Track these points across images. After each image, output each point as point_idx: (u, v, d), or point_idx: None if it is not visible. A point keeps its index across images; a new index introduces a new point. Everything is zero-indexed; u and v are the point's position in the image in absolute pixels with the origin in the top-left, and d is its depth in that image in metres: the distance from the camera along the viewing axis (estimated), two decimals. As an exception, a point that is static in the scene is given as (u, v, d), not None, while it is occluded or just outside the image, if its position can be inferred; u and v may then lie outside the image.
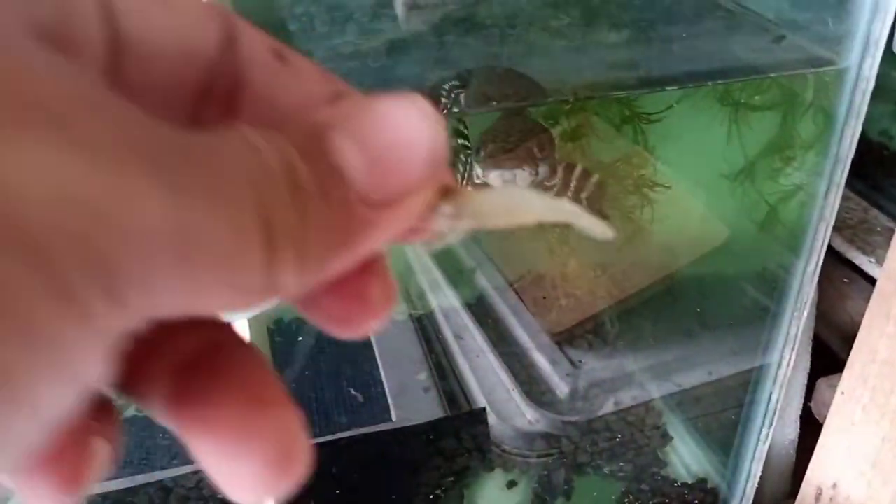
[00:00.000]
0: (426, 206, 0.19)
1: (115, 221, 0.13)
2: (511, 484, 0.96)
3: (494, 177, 0.59)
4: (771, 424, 0.83)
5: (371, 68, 0.52)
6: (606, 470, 0.97)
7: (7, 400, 0.12)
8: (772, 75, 0.64)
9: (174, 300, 0.14)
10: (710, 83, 0.62)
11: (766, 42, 0.59)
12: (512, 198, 0.21)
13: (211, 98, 0.20)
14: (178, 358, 0.18)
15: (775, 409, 0.82)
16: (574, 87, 0.56)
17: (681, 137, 0.85)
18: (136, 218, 0.13)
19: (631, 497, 0.94)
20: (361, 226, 0.18)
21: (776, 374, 0.80)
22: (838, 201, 0.69)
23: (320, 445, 0.96)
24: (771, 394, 0.81)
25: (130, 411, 1.07)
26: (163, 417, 0.18)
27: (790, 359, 0.79)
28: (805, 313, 0.75)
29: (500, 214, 0.21)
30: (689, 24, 0.56)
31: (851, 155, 0.67)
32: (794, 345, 0.78)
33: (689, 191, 0.96)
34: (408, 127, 0.18)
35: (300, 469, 0.18)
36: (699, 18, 0.56)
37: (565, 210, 0.22)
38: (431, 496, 0.94)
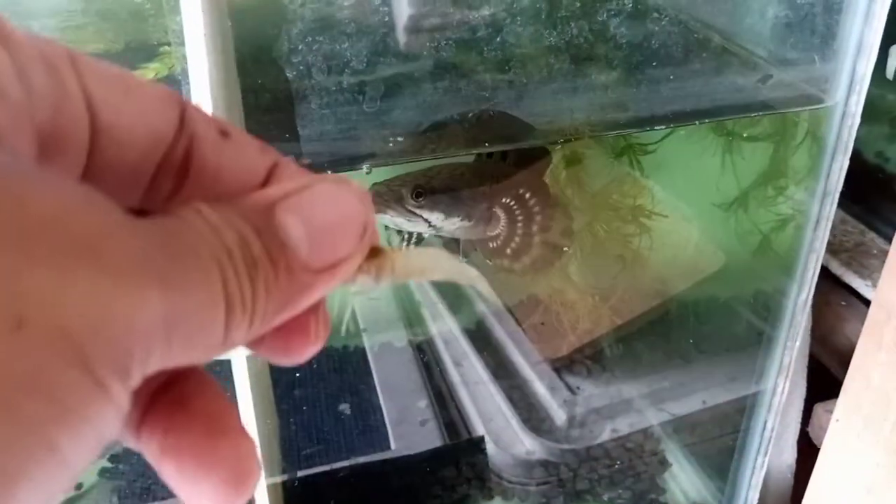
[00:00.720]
0: (356, 267, 0.23)
1: (132, 325, 0.17)
2: (509, 512, 0.97)
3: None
4: (766, 452, 0.84)
5: (366, 113, 0.53)
6: (605, 497, 0.98)
7: (46, 457, 0.16)
8: (759, 114, 0.65)
9: (159, 364, 0.18)
10: (697, 122, 0.64)
11: (753, 81, 0.61)
12: (426, 258, 0.25)
13: (168, 171, 0.23)
14: (147, 390, 0.21)
15: (770, 436, 0.83)
16: (565, 129, 0.57)
17: (676, 167, 0.86)
18: (144, 317, 0.17)
19: (629, 524, 0.94)
20: (303, 288, 0.21)
21: (770, 402, 0.81)
22: (828, 232, 0.70)
23: (320, 475, 0.97)
24: (766, 421, 0.82)
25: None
26: (132, 443, 0.22)
27: (784, 387, 0.80)
28: (798, 342, 0.76)
29: (415, 272, 0.25)
30: (678, 64, 0.57)
31: (839, 188, 0.68)
32: (787, 373, 0.78)
33: (684, 219, 0.97)
34: (344, 207, 0.22)
35: (251, 488, 0.21)
36: (687, 58, 0.57)
37: (466, 274, 0.27)
38: (431, 524, 0.94)
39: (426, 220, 0.69)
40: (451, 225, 0.72)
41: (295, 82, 0.50)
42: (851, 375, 0.82)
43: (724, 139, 0.75)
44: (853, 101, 0.63)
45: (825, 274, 1.16)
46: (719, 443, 0.98)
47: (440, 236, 0.80)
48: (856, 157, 1.31)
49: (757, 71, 0.61)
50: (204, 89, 0.48)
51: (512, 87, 0.55)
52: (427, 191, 0.65)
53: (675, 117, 0.58)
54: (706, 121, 0.64)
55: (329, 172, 0.56)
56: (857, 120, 0.65)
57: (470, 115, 0.55)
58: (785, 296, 0.74)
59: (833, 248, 1.18)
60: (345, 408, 1.07)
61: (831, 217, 0.70)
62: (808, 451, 1.06)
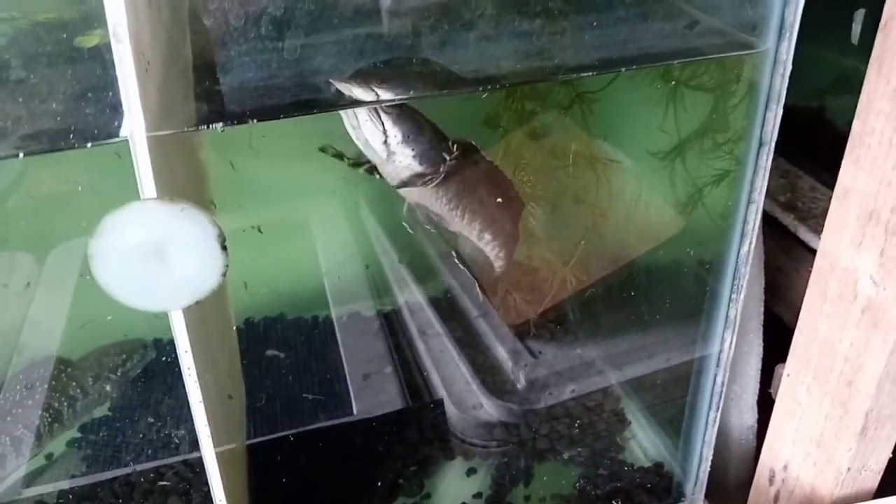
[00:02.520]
0: None
1: None
2: (471, 471, 0.98)
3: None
4: (718, 408, 0.85)
5: (287, 60, 0.54)
6: (565, 456, 0.99)
7: None
8: (686, 60, 0.66)
9: None
10: (622, 69, 0.64)
11: (680, 27, 0.61)
12: None
13: None
14: None
15: (721, 391, 0.83)
16: (491, 77, 0.58)
17: (622, 118, 0.87)
18: None
19: (587, 481, 0.95)
20: None
21: (719, 357, 0.81)
22: (765, 183, 0.71)
23: (284, 438, 0.98)
24: (716, 376, 0.82)
25: (102, 411, 1.09)
26: None
27: (731, 341, 0.80)
28: (742, 295, 0.77)
29: None
30: (602, 11, 0.57)
31: (775, 136, 0.68)
32: (734, 327, 0.79)
33: (634, 172, 0.98)
34: None
35: None
36: (611, 5, 0.58)
37: None
38: (393, 485, 0.95)
39: (384, 131, 0.66)
40: (403, 156, 0.70)
41: (213, 30, 0.51)
42: (800, 328, 0.83)
43: (670, 88, 0.75)
44: (784, 47, 0.64)
45: (794, 240, 1.17)
46: (677, 403, 0.99)
47: (381, 175, 0.77)
48: (827, 127, 1.32)
49: (683, 17, 0.61)
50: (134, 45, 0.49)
51: (435, 33, 0.55)
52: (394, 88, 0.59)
53: (601, 64, 0.59)
54: (633, 67, 0.65)
55: (254, 122, 0.57)
56: (789, 67, 0.65)
57: (392, 61, 0.55)
58: (728, 249, 0.75)
59: (802, 216, 1.19)
60: (310, 374, 1.09)
61: (768, 167, 0.71)
62: (769, 411, 1.07)
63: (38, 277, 1.16)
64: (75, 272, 1.17)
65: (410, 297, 1.17)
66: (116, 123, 0.57)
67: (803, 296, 1.14)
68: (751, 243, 0.74)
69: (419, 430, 0.99)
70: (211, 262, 0.58)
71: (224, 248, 0.58)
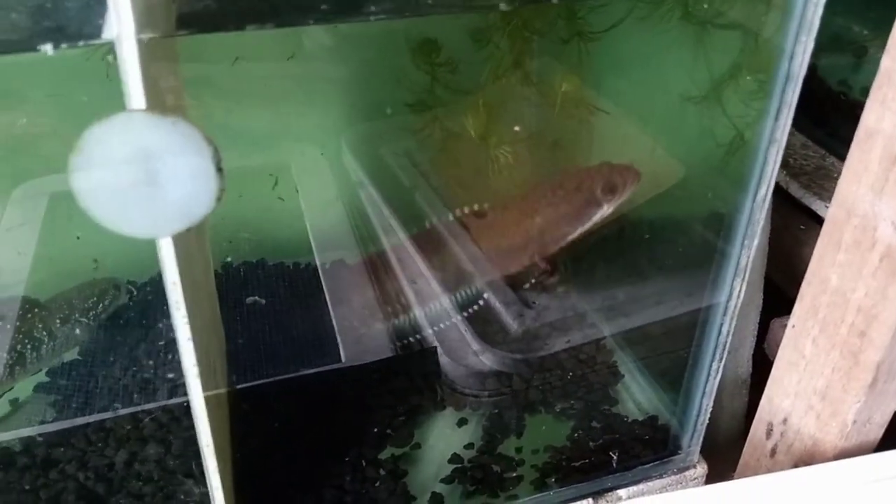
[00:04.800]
0: None
1: None
2: (462, 422, 0.95)
3: None
4: (721, 358, 0.82)
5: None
6: (558, 408, 0.96)
7: None
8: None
9: None
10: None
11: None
12: None
13: None
14: None
15: (725, 341, 0.81)
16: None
17: (635, 60, 0.83)
18: None
19: (581, 433, 0.93)
20: None
21: (727, 305, 0.79)
22: (790, 122, 0.67)
23: (269, 385, 0.94)
24: (722, 325, 0.80)
25: (71, 356, 1.03)
26: None
27: (740, 289, 0.78)
28: (756, 242, 0.74)
29: None
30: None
31: (804, 71, 0.65)
32: (744, 275, 0.76)
33: (636, 119, 0.94)
34: None
35: None
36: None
37: None
38: (382, 434, 0.92)
39: None
40: None
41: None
42: (808, 280, 0.80)
43: (692, 28, 0.71)
44: (819, -24, 0.60)
45: (784, 197, 1.15)
46: (673, 356, 0.97)
47: None
48: (819, 85, 1.30)
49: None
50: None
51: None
52: None
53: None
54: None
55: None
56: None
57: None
58: (744, 193, 0.72)
59: (793, 172, 1.17)
60: (294, 321, 1.04)
61: (794, 105, 0.67)
62: (763, 368, 1.05)
63: (1, 214, 1.10)
64: (41, 209, 1.11)
65: (398, 244, 1.13)
66: (98, 23, 0.51)
67: (792, 253, 1.13)
68: (769, 186, 0.71)
69: (409, 379, 0.96)
70: (205, 184, 0.53)
71: (220, 169, 0.53)
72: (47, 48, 0.49)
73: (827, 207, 1.10)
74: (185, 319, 0.61)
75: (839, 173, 1.20)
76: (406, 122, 1.11)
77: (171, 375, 0.96)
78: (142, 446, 0.87)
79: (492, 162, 0.96)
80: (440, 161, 1.11)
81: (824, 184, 1.15)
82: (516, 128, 0.92)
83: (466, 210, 1.00)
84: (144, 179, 0.52)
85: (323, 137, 1.19)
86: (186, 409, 0.90)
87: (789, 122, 0.67)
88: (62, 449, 0.87)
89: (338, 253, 1.16)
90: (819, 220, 1.12)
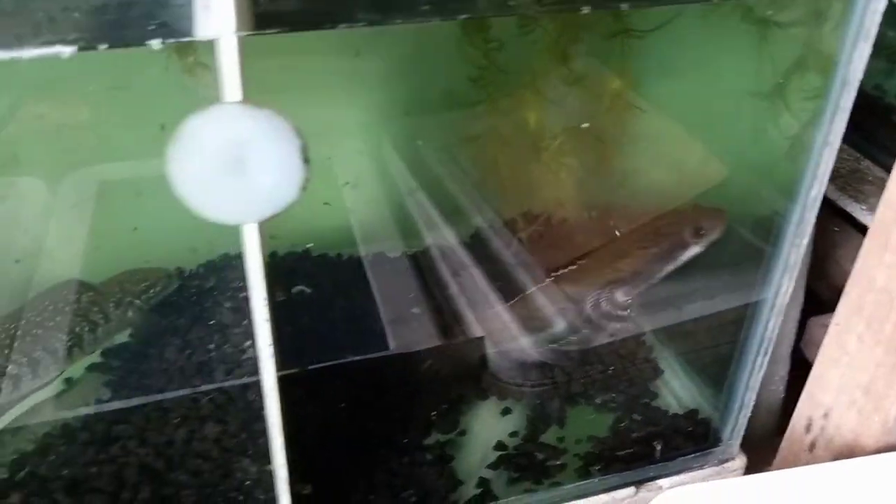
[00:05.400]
0: None
1: None
2: (506, 411, 0.98)
3: None
4: (766, 353, 0.84)
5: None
6: (598, 400, 0.99)
7: None
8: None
9: None
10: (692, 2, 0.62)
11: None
12: None
13: None
14: None
15: (771, 337, 0.83)
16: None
17: (685, 58, 0.85)
18: None
19: (623, 424, 0.95)
20: None
21: (773, 303, 0.81)
22: (844, 126, 0.69)
23: (321, 370, 0.96)
24: (768, 321, 0.82)
25: (121, 338, 1.06)
26: None
27: (787, 287, 0.80)
28: (805, 241, 0.76)
29: None
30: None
31: (859, 77, 0.67)
32: (792, 273, 0.78)
33: (681, 121, 0.96)
34: None
35: None
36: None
37: None
38: (429, 420, 0.95)
39: None
40: None
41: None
42: (854, 279, 0.82)
43: (755, 27, 0.73)
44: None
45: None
46: (714, 351, 0.99)
47: None
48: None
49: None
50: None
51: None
52: None
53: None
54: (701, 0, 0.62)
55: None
56: (882, 4, 0.64)
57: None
58: (796, 192, 0.74)
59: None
60: (341, 310, 1.07)
61: (848, 109, 0.69)
62: (798, 366, 1.07)
63: (56, 201, 1.13)
64: (92, 197, 1.14)
65: (440, 237, 1.16)
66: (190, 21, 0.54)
67: (826, 255, 1.15)
68: (821, 188, 0.73)
69: (455, 368, 0.99)
70: (293, 174, 0.56)
71: (306, 159, 0.56)
72: (155, 43, 0.51)
73: (862, 210, 1.12)
74: (264, 301, 0.63)
75: (874, 176, 1.21)
76: (450, 118, 1.14)
77: (224, 358, 0.99)
78: (200, 425, 0.90)
79: (541, 158, 0.99)
80: (485, 157, 1.13)
81: (859, 186, 1.17)
82: (584, 125, 0.95)
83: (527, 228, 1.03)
84: (235, 168, 0.55)
85: (366, 131, 1.21)
86: (241, 390, 0.94)
87: (843, 125, 0.69)
88: (123, 426, 0.91)
89: (380, 245, 1.19)
90: (852, 222, 1.14)
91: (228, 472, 0.87)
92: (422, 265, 1.14)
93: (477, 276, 1.08)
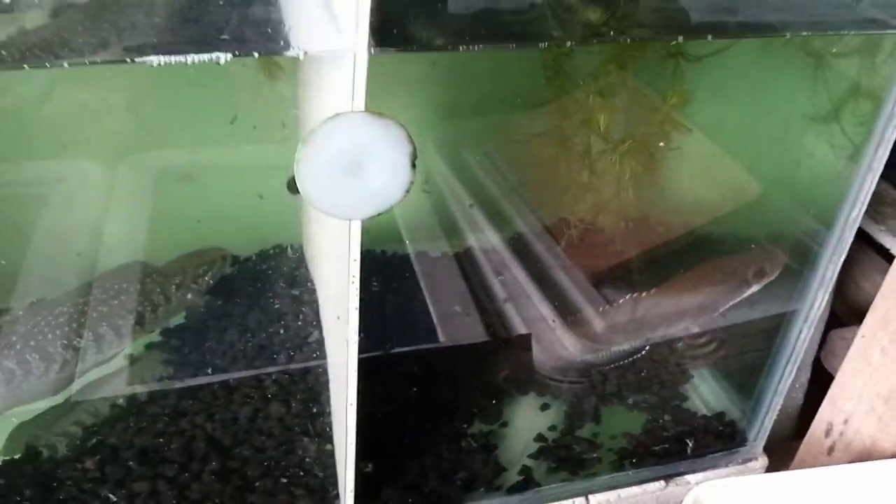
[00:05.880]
0: None
1: None
2: (545, 406, 1.04)
3: None
4: (796, 361, 0.91)
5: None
6: (631, 400, 1.05)
7: None
8: (842, 33, 0.70)
9: None
10: (788, 35, 0.68)
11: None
12: None
13: None
14: None
15: (803, 346, 0.90)
16: (677, 25, 0.62)
17: (739, 82, 0.91)
18: None
19: (655, 423, 1.02)
20: None
21: (808, 314, 0.87)
22: (887, 154, 0.76)
23: (370, 360, 1.02)
24: (800, 331, 0.89)
25: (178, 319, 1.12)
26: None
27: (822, 301, 0.86)
28: (842, 258, 0.83)
29: None
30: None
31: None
32: (827, 287, 0.85)
33: (721, 139, 1.03)
34: None
35: None
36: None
37: None
38: (470, 411, 1.01)
39: None
40: None
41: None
42: (883, 294, 0.89)
43: (811, 58, 0.80)
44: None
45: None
46: (742, 358, 1.05)
47: None
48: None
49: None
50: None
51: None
52: None
53: (781, 27, 0.63)
54: (803, 34, 0.69)
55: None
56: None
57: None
58: (838, 211, 0.80)
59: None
60: (392, 304, 1.13)
61: (891, 141, 0.76)
62: (817, 376, 1.14)
63: (116, 185, 1.18)
64: (150, 182, 1.20)
65: (483, 238, 1.22)
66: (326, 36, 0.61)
67: (845, 271, 1.21)
68: (861, 209, 0.79)
69: (499, 363, 1.05)
70: (400, 178, 0.62)
71: (414, 165, 0.62)
72: (298, 53, 0.58)
73: (881, 230, 1.19)
74: (357, 291, 0.70)
75: (892, 199, 1.28)
76: (510, 120, 1.19)
77: (284, 342, 1.04)
78: (265, 405, 0.96)
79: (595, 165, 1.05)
80: (529, 163, 1.19)
81: (878, 207, 1.24)
82: (661, 143, 1.01)
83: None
84: (353, 170, 0.61)
85: (422, 133, 1.26)
86: (303, 373, 1.00)
87: (887, 153, 0.76)
88: (190, 402, 0.96)
89: (425, 244, 1.25)
90: (869, 241, 1.21)
91: (290, 449, 0.93)
92: (466, 263, 1.21)
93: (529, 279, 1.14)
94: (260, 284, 1.16)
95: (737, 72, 0.94)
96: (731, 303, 1.00)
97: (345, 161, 0.60)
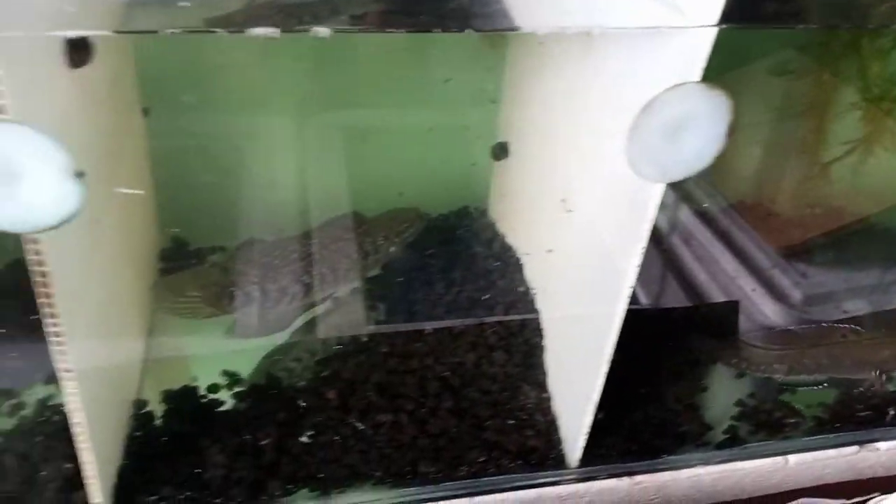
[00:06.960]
0: None
1: None
2: (740, 375, 1.09)
3: None
4: None
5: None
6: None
7: None
8: None
9: None
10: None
11: None
12: None
13: None
14: None
15: None
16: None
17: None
18: None
19: (850, 393, 1.06)
20: None
21: None
22: None
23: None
24: None
25: (374, 271, 1.18)
26: None
27: None
28: None
29: None
30: None
31: None
32: None
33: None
34: None
35: None
36: None
37: None
38: (672, 374, 1.06)
39: None
40: None
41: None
42: None
43: None
44: None
45: None
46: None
47: None
48: None
49: None
50: None
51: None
52: None
53: None
54: None
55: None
56: None
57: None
58: None
59: None
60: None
61: None
62: None
63: (322, 142, 1.25)
64: (338, 140, 1.27)
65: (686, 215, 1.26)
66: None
67: None
68: None
69: (703, 328, 1.10)
70: (714, 145, 0.67)
71: (730, 134, 0.67)
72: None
73: None
74: (642, 250, 0.75)
75: None
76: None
77: (495, 294, 1.11)
78: (489, 352, 1.02)
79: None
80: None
81: None
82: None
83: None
84: (672, 136, 0.66)
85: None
86: (520, 325, 1.06)
87: None
88: (416, 344, 1.04)
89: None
90: None
91: (514, 395, 0.99)
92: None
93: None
94: (456, 241, 1.23)
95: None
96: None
97: (671, 127, 0.65)
